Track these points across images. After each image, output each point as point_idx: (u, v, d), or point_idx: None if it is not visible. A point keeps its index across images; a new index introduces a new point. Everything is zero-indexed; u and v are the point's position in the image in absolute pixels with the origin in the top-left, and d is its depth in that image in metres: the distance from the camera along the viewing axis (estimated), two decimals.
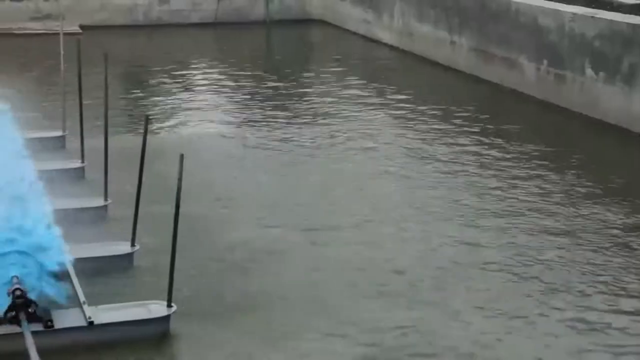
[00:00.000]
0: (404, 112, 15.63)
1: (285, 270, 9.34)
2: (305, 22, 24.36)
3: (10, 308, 7.48)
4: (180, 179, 7.73)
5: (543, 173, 12.33)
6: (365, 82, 18.09)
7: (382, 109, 15.91)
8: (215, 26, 23.57)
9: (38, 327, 7.48)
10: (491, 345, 7.88)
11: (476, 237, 10.15)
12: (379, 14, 21.81)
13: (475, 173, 12.37)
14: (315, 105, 16.16)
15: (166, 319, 7.94)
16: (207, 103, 16.26)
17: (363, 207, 11.06)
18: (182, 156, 7.68)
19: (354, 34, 22.63)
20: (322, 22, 24.18)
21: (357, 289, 8.93)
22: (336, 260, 9.59)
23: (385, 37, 21.52)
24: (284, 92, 17.14)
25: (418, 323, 8.23)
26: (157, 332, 7.92)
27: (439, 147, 13.54)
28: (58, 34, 12.28)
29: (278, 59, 21.04)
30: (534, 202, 11.24)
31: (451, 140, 13.87)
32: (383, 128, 14.62)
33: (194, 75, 18.51)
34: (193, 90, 17.24)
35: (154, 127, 13.91)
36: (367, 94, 16.99)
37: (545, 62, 16.05)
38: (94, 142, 11.11)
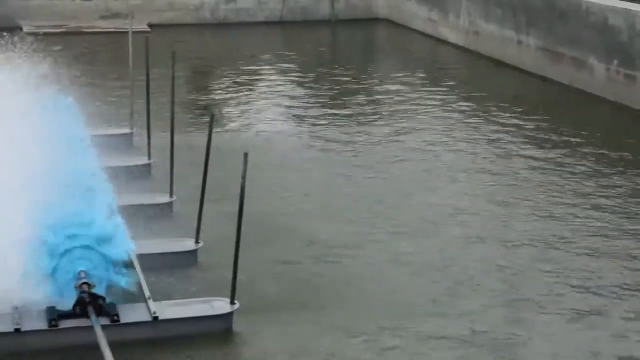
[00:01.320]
0: (470, 112, 15.48)
1: (365, 267, 9.34)
2: (371, 21, 24.27)
3: (78, 302, 7.60)
4: (244, 178, 7.77)
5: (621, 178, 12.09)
6: (430, 81, 17.97)
7: (447, 108, 15.77)
8: (281, 25, 23.64)
9: (105, 321, 7.59)
10: None
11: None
12: (445, 14, 21.65)
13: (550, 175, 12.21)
14: (380, 105, 16.10)
15: (229, 316, 7.99)
16: (272, 101, 16.32)
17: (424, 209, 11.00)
18: (246, 155, 7.72)
19: (420, 33, 22.48)
20: (388, 22, 24.07)
21: (431, 291, 8.86)
22: (414, 259, 9.57)
23: (451, 36, 21.36)
24: (349, 91, 17.09)
25: None
26: (221, 329, 7.98)
27: (514, 148, 13.39)
28: (127, 32, 12.43)
29: (343, 59, 21.01)
30: None
31: (520, 140, 13.73)
32: (449, 128, 14.49)
33: (259, 74, 18.58)
34: (258, 89, 17.32)
35: (220, 125, 13.99)
36: (432, 94, 16.85)
37: (615, 62, 15.75)
38: (161, 140, 11.23)
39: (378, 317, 8.32)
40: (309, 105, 16.08)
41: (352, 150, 13.33)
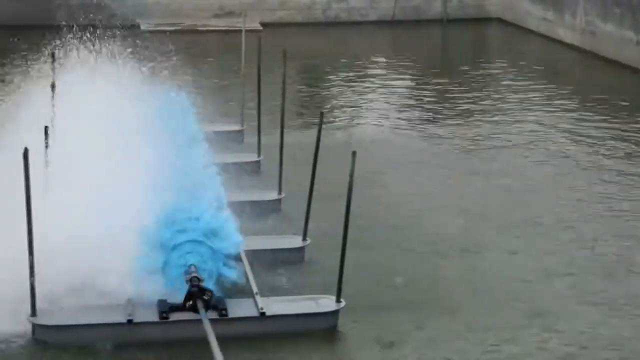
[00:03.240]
0: (588, 115, 15.09)
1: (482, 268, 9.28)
2: (483, 20, 23.92)
3: (188, 296, 7.74)
4: (352, 176, 7.77)
5: None
6: (544, 82, 17.59)
7: (562, 111, 15.43)
8: (392, 24, 23.54)
9: (213, 315, 7.70)
10: None
11: None
12: (561, 12, 21.17)
13: None
14: (492, 106, 15.86)
15: (335, 313, 8.00)
16: (381, 100, 16.27)
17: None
18: (354, 153, 7.72)
19: (534, 32, 22.04)
20: (500, 21, 23.68)
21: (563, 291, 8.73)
22: (532, 261, 9.43)
23: (567, 36, 20.86)
24: (460, 91, 16.91)
25: None
26: (326, 326, 8.00)
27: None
28: (239, 31, 12.59)
29: (455, 58, 20.79)
30: None
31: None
32: (564, 131, 14.16)
33: (369, 73, 18.55)
34: (368, 88, 17.29)
35: (329, 123, 14.04)
36: (546, 96, 16.52)
37: None
38: (271, 137, 11.34)
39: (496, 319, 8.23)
40: (419, 104, 15.97)
41: (463, 150, 13.19)
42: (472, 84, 17.49)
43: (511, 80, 17.73)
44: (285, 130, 10.51)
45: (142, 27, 21.15)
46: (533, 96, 16.32)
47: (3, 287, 7.64)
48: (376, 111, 15.53)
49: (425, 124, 14.67)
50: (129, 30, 12.17)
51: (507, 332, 8.06)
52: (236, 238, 8.43)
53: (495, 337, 7.97)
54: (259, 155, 11.81)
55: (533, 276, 9.14)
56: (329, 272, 8.54)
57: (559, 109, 15.47)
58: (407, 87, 17.40)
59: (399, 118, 15.08)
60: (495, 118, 14.99)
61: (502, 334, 8.02)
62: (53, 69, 10.29)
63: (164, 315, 7.74)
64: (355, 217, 8.15)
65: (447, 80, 17.74)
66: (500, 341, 7.92)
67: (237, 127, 12.98)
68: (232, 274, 8.23)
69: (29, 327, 7.65)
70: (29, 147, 7.28)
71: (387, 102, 16.14)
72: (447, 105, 15.85)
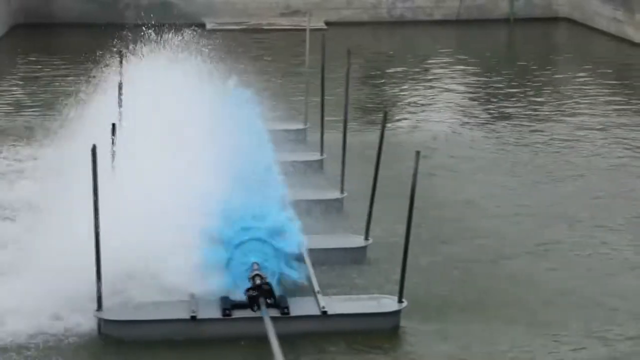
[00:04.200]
0: None
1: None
2: (550, 20, 23.61)
3: (250, 293, 7.78)
4: (415, 176, 7.74)
5: None
6: (614, 84, 17.30)
7: (634, 113, 15.15)
8: (457, 24, 23.38)
9: (275, 313, 7.74)
10: None
11: None
12: (632, 12, 20.78)
13: None
14: (561, 108, 15.65)
15: (397, 313, 7.98)
16: (444, 101, 16.16)
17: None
18: (418, 153, 7.68)
19: (603, 33, 21.68)
20: (568, 21, 23.35)
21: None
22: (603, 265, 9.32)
23: (637, 36, 20.48)
24: (526, 93, 16.70)
25: None
26: (388, 326, 7.98)
27: None
28: (304, 29, 12.62)
29: (520, 59, 20.55)
30: None
31: None
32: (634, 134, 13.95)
33: (433, 73, 18.46)
34: (432, 87, 17.19)
35: (392, 123, 14.00)
36: (616, 98, 16.23)
37: None
38: (334, 135, 11.35)
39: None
40: (484, 105, 15.83)
41: (529, 151, 13.04)
42: (539, 85, 17.25)
43: (580, 81, 17.46)
44: (348, 129, 10.51)
45: (208, 26, 21.34)
46: (602, 98, 16.05)
47: (72, 281, 7.78)
48: (440, 111, 15.43)
49: (490, 124, 14.52)
50: (195, 29, 12.28)
51: (581, 334, 7.96)
52: (299, 238, 8.46)
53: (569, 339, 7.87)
54: (321, 154, 11.83)
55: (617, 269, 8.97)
56: (391, 272, 8.52)
57: (630, 112, 15.18)
58: (471, 87, 17.27)
59: (463, 118, 14.97)
60: (563, 120, 14.78)
61: (578, 336, 7.93)
62: (120, 68, 10.45)
63: (227, 312, 7.80)
64: (421, 216, 8.11)
65: (512, 81, 17.55)
66: (576, 343, 7.84)
67: (300, 126, 13.03)
68: (293, 273, 8.26)
69: (96, 322, 7.77)
70: (96, 145, 7.39)
71: (452, 102, 16.03)
72: (511, 106, 15.67)
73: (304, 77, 12.86)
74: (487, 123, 14.61)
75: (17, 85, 16.83)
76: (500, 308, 8.42)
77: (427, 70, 18.62)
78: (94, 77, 11.09)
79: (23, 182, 10.95)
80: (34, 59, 18.63)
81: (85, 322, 7.78)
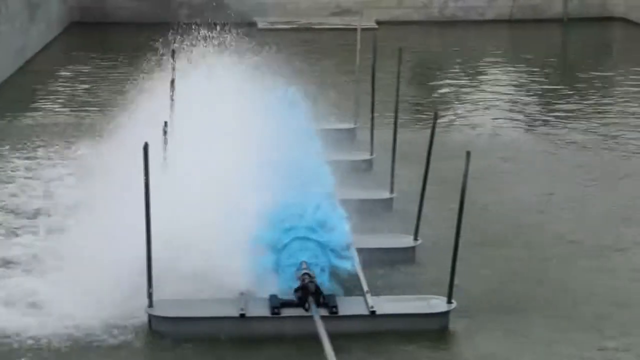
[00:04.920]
0: None
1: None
2: (605, 20, 23.31)
3: (299, 292, 7.79)
4: (465, 176, 7.69)
5: None
6: None
7: None
8: (510, 23, 23.19)
9: (324, 312, 7.74)
10: None
11: None
12: None
13: None
14: (611, 108, 15.45)
15: (446, 314, 7.94)
16: (497, 101, 16.04)
17: None
18: (468, 153, 7.63)
19: None
20: (624, 21, 23.03)
21: None
22: None
23: None
24: (579, 93, 16.49)
25: None
26: (436, 327, 7.94)
27: None
28: (355, 29, 12.62)
29: (574, 59, 20.34)
30: None
31: None
32: None
33: (485, 73, 18.33)
34: (484, 87, 17.08)
35: (443, 122, 13.93)
36: None
37: None
38: (384, 135, 11.33)
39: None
40: (536, 105, 15.68)
41: (581, 152, 12.90)
42: (592, 85, 17.03)
43: (634, 82, 17.20)
44: (398, 129, 10.48)
45: (259, 26, 21.45)
46: None
47: (124, 277, 7.87)
48: (492, 111, 15.31)
49: (543, 125, 14.39)
50: (246, 28, 12.35)
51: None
52: (347, 237, 8.44)
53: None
54: (371, 154, 11.81)
55: None
56: (440, 273, 8.48)
57: None
58: (524, 88, 17.10)
59: (515, 118, 14.84)
60: (617, 120, 14.58)
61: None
62: (173, 66, 10.55)
63: (276, 310, 7.82)
64: (470, 217, 8.05)
65: (565, 81, 17.35)
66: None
67: (349, 125, 13.02)
68: (344, 263, 8.23)
69: (146, 318, 7.84)
70: (148, 142, 7.46)
71: (503, 102, 15.90)
72: (564, 106, 15.50)
73: (354, 76, 12.85)
74: (539, 123, 14.47)
75: (71, 82, 17.10)
76: (559, 310, 8.29)
77: (478, 70, 18.50)
78: (146, 74, 11.19)
79: (79, 180, 11.00)
80: (88, 56, 18.92)
81: (136, 319, 7.85)
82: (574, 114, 14.96)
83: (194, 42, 11.28)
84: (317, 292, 7.78)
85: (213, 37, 11.40)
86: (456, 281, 7.90)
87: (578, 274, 9.04)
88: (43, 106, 15.39)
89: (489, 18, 23.43)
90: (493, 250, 9.52)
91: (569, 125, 14.27)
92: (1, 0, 16.38)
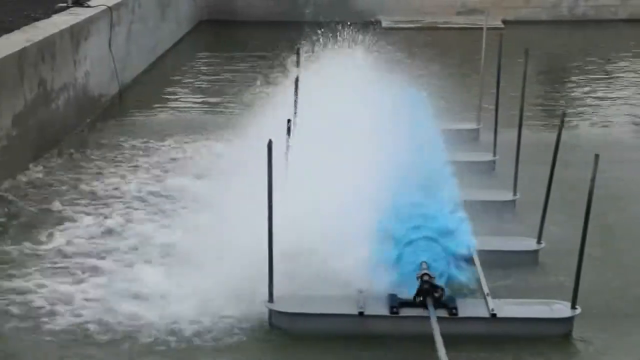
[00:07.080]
0: None
1: None
2: None
3: (418, 292, 7.77)
4: (593, 180, 7.48)
5: None
6: None
7: None
8: None
9: (443, 313, 7.69)
10: None
11: None
12: None
13: None
14: None
15: (569, 320, 7.77)
16: (627, 103, 15.54)
17: None
18: (597, 156, 7.42)
19: None
20: None
21: None
22: None
23: None
24: None
25: None
26: (559, 333, 7.77)
27: None
28: (480, 28, 12.47)
29: None
30: None
31: None
32: None
33: (615, 74, 17.77)
34: (613, 89, 16.57)
35: (570, 124, 13.60)
36: None
37: None
38: (508, 136, 11.15)
39: None
40: None
41: None
42: None
43: None
44: (523, 130, 10.29)
45: (384, 24, 21.47)
46: None
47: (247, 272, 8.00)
48: (622, 114, 14.85)
49: None
50: (370, 27, 12.36)
51: None
52: (469, 240, 8.36)
53: None
54: (494, 155, 11.65)
55: None
56: (564, 277, 8.30)
57: None
58: None
59: None
60: None
61: None
62: (298, 64, 10.66)
63: (394, 309, 7.81)
64: (597, 221, 7.83)
65: None
66: None
67: (473, 126, 12.88)
68: (461, 275, 8.16)
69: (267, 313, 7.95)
70: (272, 140, 7.55)
71: (634, 105, 15.40)
72: None
73: (479, 76, 12.70)
74: None
75: (199, 79, 17.49)
76: None
77: (609, 71, 17.97)
78: (272, 71, 11.36)
79: (204, 178, 11.13)
80: (216, 54, 19.33)
81: (257, 314, 7.96)
82: None
83: (319, 40, 11.36)
84: (437, 293, 7.71)
85: (337, 36, 11.47)
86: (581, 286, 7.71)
87: None
88: (173, 103, 15.77)
89: (622, 17, 22.75)
90: (620, 256, 9.24)
91: None
92: (134, 0, 16.91)
